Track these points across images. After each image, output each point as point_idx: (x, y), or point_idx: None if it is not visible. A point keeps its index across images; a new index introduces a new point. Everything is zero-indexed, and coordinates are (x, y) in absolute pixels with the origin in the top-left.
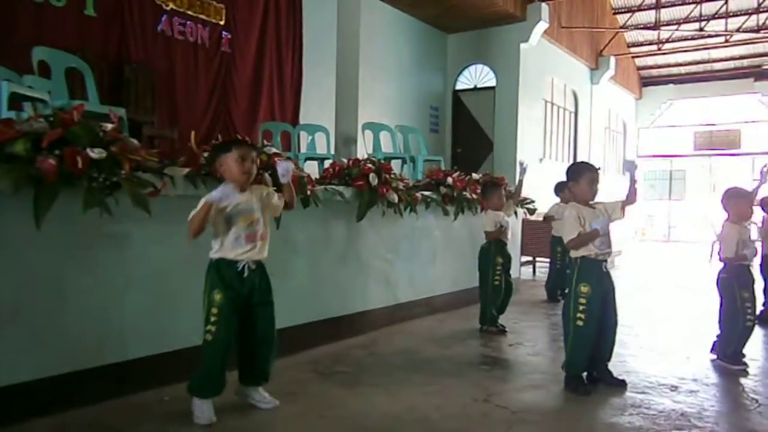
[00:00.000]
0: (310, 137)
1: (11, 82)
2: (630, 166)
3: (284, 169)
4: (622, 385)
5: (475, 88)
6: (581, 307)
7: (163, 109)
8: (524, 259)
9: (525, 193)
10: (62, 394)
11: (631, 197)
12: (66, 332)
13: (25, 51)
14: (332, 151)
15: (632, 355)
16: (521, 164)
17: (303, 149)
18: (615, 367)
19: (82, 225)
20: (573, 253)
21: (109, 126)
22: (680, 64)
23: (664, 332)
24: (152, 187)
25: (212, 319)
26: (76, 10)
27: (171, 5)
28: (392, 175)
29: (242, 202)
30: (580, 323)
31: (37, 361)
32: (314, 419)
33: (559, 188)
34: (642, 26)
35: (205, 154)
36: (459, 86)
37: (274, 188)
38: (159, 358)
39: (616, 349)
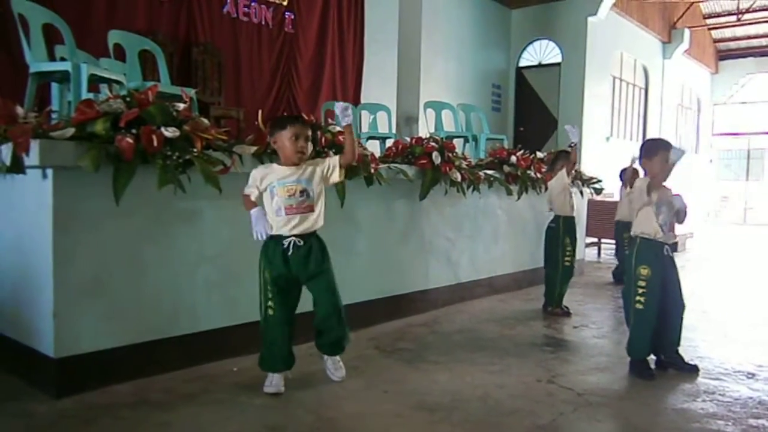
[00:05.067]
0: (372, 116)
1: (89, 65)
2: (678, 154)
3: (343, 108)
4: (693, 370)
5: (540, 65)
6: (640, 290)
7: (229, 89)
8: (589, 240)
9: (592, 172)
10: (139, 362)
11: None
12: (142, 303)
13: (100, 35)
14: (394, 131)
15: (704, 340)
16: (572, 128)
17: (365, 128)
18: (686, 352)
19: (157, 201)
20: (633, 229)
21: (182, 106)
22: (761, 36)
23: (739, 317)
24: (222, 165)
25: (269, 295)
26: None
27: None
28: (455, 154)
29: (287, 175)
30: (639, 306)
31: (117, 330)
32: (377, 394)
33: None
34: None
35: None
36: (522, 63)
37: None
38: (228, 330)
39: (687, 333)
